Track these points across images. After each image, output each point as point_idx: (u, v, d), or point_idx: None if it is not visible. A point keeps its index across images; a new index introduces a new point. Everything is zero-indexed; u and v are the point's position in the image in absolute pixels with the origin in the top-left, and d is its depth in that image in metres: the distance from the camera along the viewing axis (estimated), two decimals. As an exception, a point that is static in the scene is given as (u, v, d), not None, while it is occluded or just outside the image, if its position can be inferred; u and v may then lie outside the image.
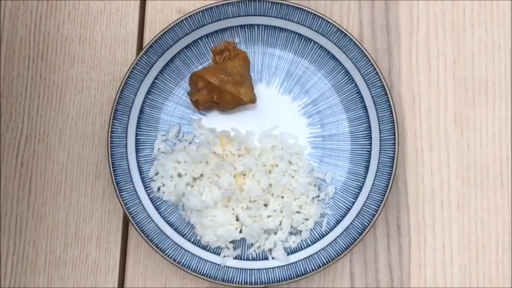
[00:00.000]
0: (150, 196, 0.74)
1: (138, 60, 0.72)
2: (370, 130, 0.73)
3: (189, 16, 0.72)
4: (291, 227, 0.73)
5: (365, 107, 0.74)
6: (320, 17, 0.72)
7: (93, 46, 0.78)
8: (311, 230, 0.73)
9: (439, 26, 0.78)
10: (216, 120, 0.76)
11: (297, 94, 0.76)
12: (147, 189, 0.74)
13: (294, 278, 0.71)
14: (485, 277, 0.74)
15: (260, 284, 0.71)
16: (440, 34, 0.78)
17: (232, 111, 0.76)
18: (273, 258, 0.72)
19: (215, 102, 0.74)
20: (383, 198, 0.71)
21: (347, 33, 0.72)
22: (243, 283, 0.71)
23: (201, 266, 0.72)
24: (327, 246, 0.72)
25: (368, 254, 0.75)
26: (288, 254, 0.73)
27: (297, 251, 0.73)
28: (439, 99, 0.77)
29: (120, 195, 0.72)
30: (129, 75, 0.72)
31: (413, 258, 0.75)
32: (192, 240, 0.73)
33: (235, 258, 0.73)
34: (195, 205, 0.70)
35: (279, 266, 0.72)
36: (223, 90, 0.72)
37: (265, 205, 0.72)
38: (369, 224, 0.71)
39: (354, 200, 0.73)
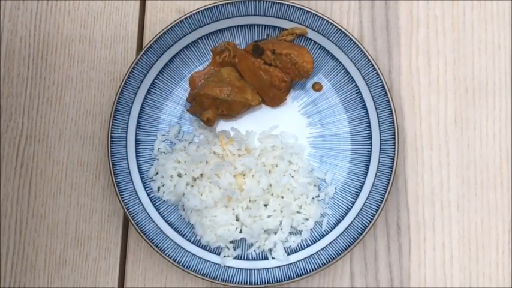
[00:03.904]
0: (150, 196, 0.74)
1: (138, 60, 0.72)
2: (370, 130, 0.73)
3: (189, 16, 0.72)
4: (291, 227, 0.73)
5: (365, 107, 0.74)
6: (320, 17, 0.72)
7: (93, 46, 0.78)
8: (311, 230, 0.73)
9: (439, 26, 0.78)
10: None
11: (296, 94, 0.76)
12: (147, 189, 0.74)
13: (294, 278, 0.71)
14: (485, 277, 0.74)
15: (260, 284, 0.71)
16: (440, 34, 0.78)
17: (232, 111, 0.76)
18: (273, 258, 0.72)
19: (224, 114, 0.73)
20: (383, 198, 0.71)
21: (347, 33, 0.72)
22: (243, 283, 0.71)
23: (201, 266, 0.72)
24: (327, 246, 0.72)
25: (368, 254, 0.75)
26: (288, 254, 0.73)
27: (297, 251, 0.73)
28: (439, 99, 0.77)
29: (120, 195, 0.72)
30: (129, 75, 0.72)
31: (413, 258, 0.75)
32: (192, 240, 0.73)
33: (235, 258, 0.73)
34: (195, 205, 0.70)
35: (279, 266, 0.72)
36: (232, 101, 0.72)
37: (265, 205, 0.72)
38: (368, 224, 0.71)
39: (354, 200, 0.73)
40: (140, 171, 0.74)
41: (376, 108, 0.73)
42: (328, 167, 0.75)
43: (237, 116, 0.75)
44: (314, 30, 0.73)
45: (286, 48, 0.71)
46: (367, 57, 0.72)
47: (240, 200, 0.71)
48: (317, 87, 0.75)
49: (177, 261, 0.71)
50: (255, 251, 0.73)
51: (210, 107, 0.72)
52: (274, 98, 0.74)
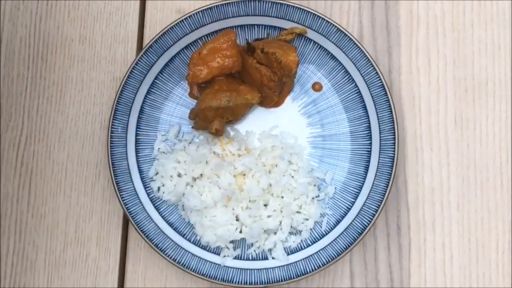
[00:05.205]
0: (150, 196, 0.74)
1: (138, 60, 0.72)
2: (370, 130, 0.73)
3: (189, 16, 0.72)
4: (291, 227, 0.73)
5: (365, 107, 0.74)
6: (320, 17, 0.72)
7: (93, 46, 0.78)
8: (311, 230, 0.73)
9: (439, 26, 0.78)
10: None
11: (296, 94, 0.76)
12: (147, 189, 0.74)
13: (294, 278, 0.71)
14: (485, 277, 0.74)
15: (260, 284, 0.71)
16: (440, 34, 0.78)
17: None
18: (273, 258, 0.72)
19: (230, 120, 0.73)
20: (383, 198, 0.71)
21: (347, 33, 0.72)
22: (243, 283, 0.71)
23: (201, 266, 0.72)
24: (327, 246, 0.72)
25: (368, 254, 0.75)
26: (288, 254, 0.73)
27: (297, 251, 0.73)
28: (439, 99, 0.77)
29: (120, 195, 0.72)
30: (129, 75, 0.72)
31: (413, 258, 0.75)
32: (192, 240, 0.73)
33: (235, 258, 0.73)
34: (194, 205, 0.70)
35: (279, 266, 0.72)
36: (235, 106, 0.71)
37: (265, 205, 0.72)
38: (368, 224, 0.71)
39: (354, 200, 0.73)
40: (140, 171, 0.74)
41: (376, 108, 0.73)
42: (328, 167, 0.75)
43: (242, 119, 0.75)
44: (314, 30, 0.73)
45: (273, 47, 0.71)
46: (367, 57, 0.72)
47: (240, 200, 0.71)
48: (317, 87, 0.75)
49: (177, 261, 0.71)
50: (254, 251, 0.73)
51: (215, 118, 0.72)
52: (266, 98, 0.74)
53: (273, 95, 0.73)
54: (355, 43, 0.72)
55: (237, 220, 0.72)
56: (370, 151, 0.73)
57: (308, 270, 0.71)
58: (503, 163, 0.76)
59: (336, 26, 0.72)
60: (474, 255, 0.75)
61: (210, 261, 0.72)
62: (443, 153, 0.76)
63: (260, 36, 0.75)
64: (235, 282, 0.71)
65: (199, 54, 0.72)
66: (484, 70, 0.77)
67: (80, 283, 0.75)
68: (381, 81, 0.72)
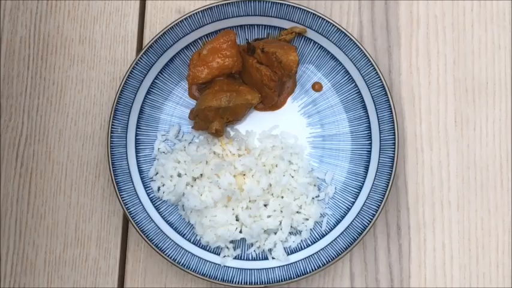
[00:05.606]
0: (150, 196, 0.74)
1: (138, 60, 0.72)
2: (370, 130, 0.73)
3: (189, 16, 0.72)
4: (291, 227, 0.73)
5: (365, 107, 0.74)
6: (320, 17, 0.72)
7: (93, 46, 0.78)
8: (311, 230, 0.73)
9: (439, 26, 0.78)
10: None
11: (297, 94, 0.76)
12: (147, 189, 0.74)
13: (294, 278, 0.71)
14: (485, 277, 0.74)
15: (260, 284, 0.71)
16: (440, 34, 0.78)
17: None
18: (273, 258, 0.72)
19: (230, 120, 0.73)
20: (383, 198, 0.71)
21: (347, 33, 0.72)
22: (243, 283, 0.71)
23: (201, 266, 0.72)
24: (327, 246, 0.72)
25: (368, 254, 0.75)
26: (288, 254, 0.73)
27: (297, 251, 0.73)
28: (439, 99, 0.77)
29: (120, 195, 0.72)
30: (129, 75, 0.72)
31: (413, 258, 0.75)
32: (191, 240, 0.73)
33: (235, 258, 0.73)
34: (194, 205, 0.70)
35: (279, 266, 0.72)
36: (235, 106, 0.71)
37: (265, 205, 0.72)
38: (368, 224, 0.71)
39: (354, 200, 0.73)
40: (140, 171, 0.74)
41: (376, 108, 0.73)
42: (328, 167, 0.75)
43: (242, 119, 0.75)
44: (314, 30, 0.73)
45: (273, 47, 0.71)
46: (367, 57, 0.72)
47: (240, 200, 0.71)
48: (317, 87, 0.75)
49: (177, 261, 0.71)
50: (254, 251, 0.73)
51: (215, 119, 0.72)
52: (266, 97, 0.74)
53: (273, 94, 0.73)
54: (355, 43, 0.72)
55: (237, 220, 0.72)
56: (370, 151, 0.73)
57: (308, 270, 0.71)
58: (503, 163, 0.76)
59: (336, 26, 0.72)
60: (474, 255, 0.75)
61: (210, 261, 0.72)
62: (443, 153, 0.76)
63: (260, 36, 0.75)
64: (235, 282, 0.71)
65: (199, 55, 0.72)
66: (484, 70, 0.77)
67: (80, 283, 0.75)
68: (381, 81, 0.72)
